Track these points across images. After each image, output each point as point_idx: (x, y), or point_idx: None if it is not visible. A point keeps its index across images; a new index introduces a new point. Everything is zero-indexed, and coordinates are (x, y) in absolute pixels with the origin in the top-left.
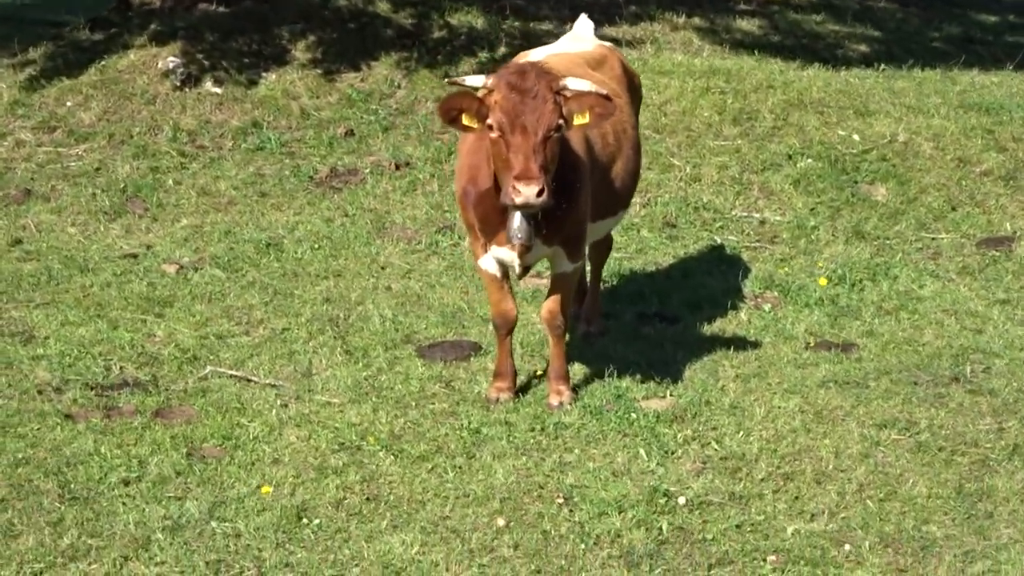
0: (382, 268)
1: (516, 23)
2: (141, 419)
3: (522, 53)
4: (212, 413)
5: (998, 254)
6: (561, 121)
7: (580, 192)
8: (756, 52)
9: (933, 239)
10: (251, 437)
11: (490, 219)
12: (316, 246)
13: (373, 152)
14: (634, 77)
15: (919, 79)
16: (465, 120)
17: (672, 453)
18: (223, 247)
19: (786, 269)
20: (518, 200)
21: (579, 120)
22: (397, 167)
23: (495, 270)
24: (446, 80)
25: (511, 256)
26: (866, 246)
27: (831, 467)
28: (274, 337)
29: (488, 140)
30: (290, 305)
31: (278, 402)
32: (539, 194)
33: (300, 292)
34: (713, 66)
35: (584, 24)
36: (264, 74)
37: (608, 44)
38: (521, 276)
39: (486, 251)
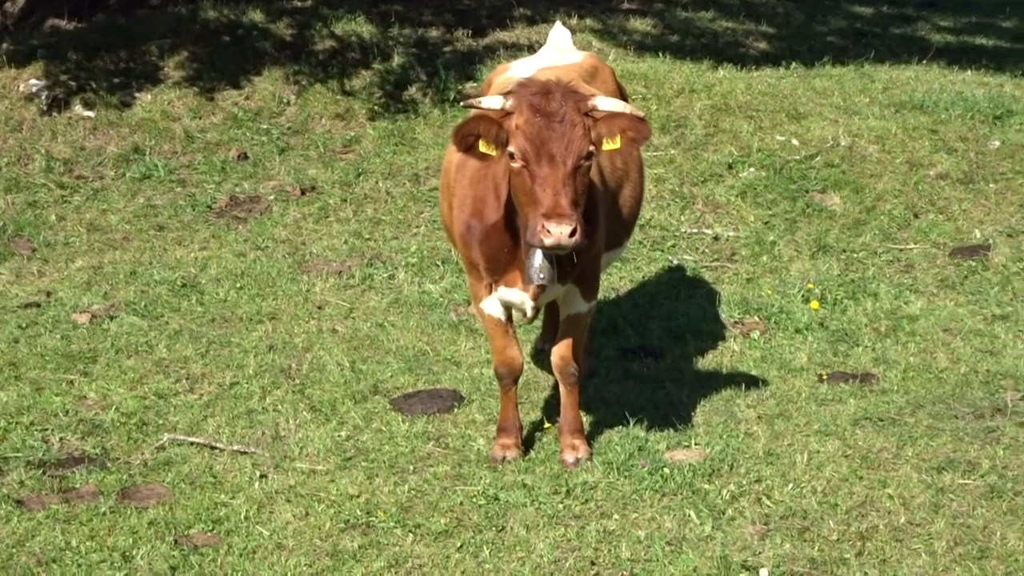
0: (319, 308)
1: (405, 30)
2: (106, 502)
3: (500, 67)
4: (186, 490)
5: (974, 264)
6: (591, 147)
7: (596, 222)
8: (660, 54)
9: (902, 250)
10: (241, 518)
11: (498, 258)
12: (238, 285)
13: (272, 176)
14: (623, 89)
15: (836, 77)
16: (482, 147)
17: (723, 513)
18: (134, 291)
19: (762, 290)
20: (548, 241)
21: (609, 145)
22: (303, 192)
23: (500, 314)
24: (460, 103)
25: (521, 298)
26: (834, 261)
27: (904, 521)
28: (223, 394)
29: (507, 170)
30: (231, 355)
31: (256, 473)
32: (572, 234)
33: (237, 340)
34: (627, 70)
35: (561, 33)
36: (138, 94)
37: (593, 54)
38: (532, 319)
39: (490, 293)
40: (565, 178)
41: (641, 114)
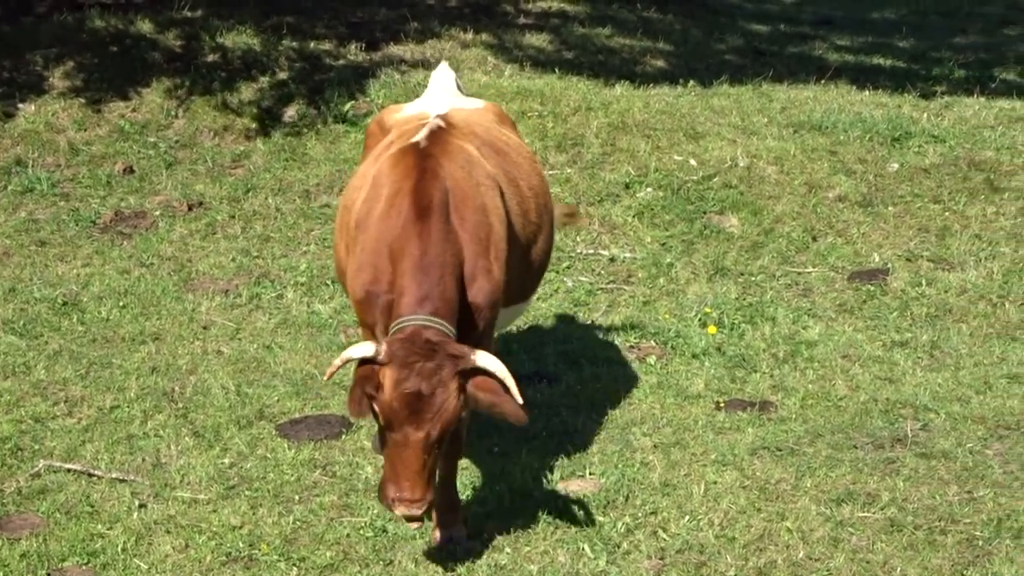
0: (204, 328)
1: (293, 43)
2: None
3: (393, 107)
4: (61, 520)
5: (873, 288)
6: (463, 413)
7: (495, 291)
8: (557, 70)
9: (800, 274)
10: (118, 550)
11: None
12: (120, 303)
13: (159, 191)
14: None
15: (734, 96)
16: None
17: (618, 547)
18: (12, 308)
19: (658, 314)
20: (395, 511)
21: (481, 409)
22: (190, 207)
23: None
24: (326, 377)
25: None
26: (731, 284)
27: (803, 555)
28: (103, 418)
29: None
30: (112, 378)
31: (135, 502)
32: (425, 512)
33: (119, 361)
34: (522, 87)
35: (445, 75)
36: (21, 105)
37: (495, 104)
38: None
39: None
40: (427, 451)
41: (520, 400)
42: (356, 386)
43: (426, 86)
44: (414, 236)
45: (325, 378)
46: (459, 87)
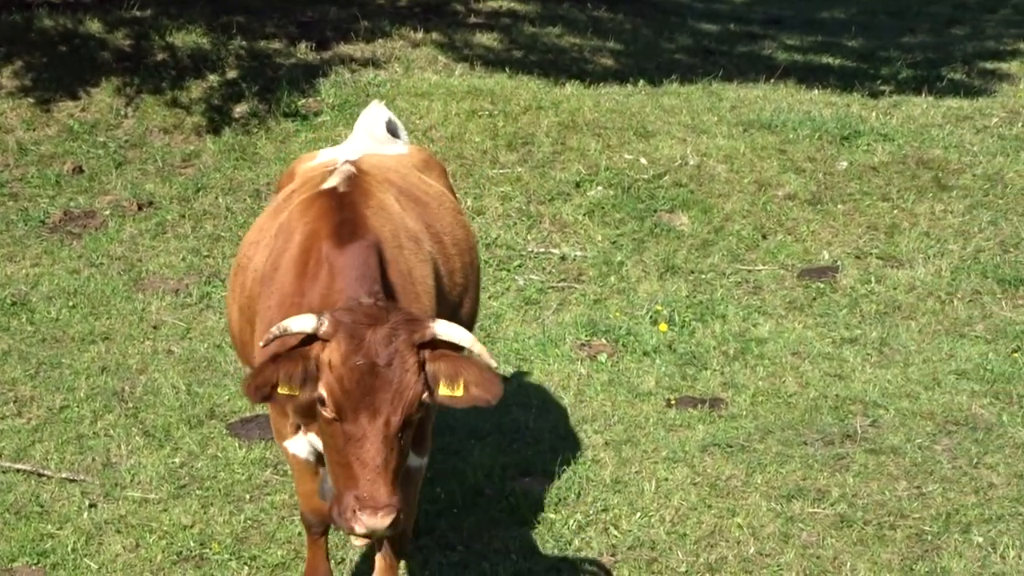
0: (154, 328)
1: (243, 43)
2: None
3: (306, 155)
4: (11, 521)
5: (822, 285)
6: (426, 396)
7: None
8: (507, 69)
9: (750, 271)
10: (68, 550)
11: (312, 405)
12: (70, 303)
13: (108, 191)
14: (454, 191)
15: (684, 95)
16: (282, 390)
17: (570, 544)
18: None
19: (609, 312)
20: (359, 530)
21: (446, 391)
22: (140, 207)
23: (308, 454)
24: (261, 345)
25: None
26: (682, 282)
27: (753, 551)
28: (53, 418)
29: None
30: (61, 377)
31: (85, 502)
32: (392, 524)
33: (69, 361)
34: (473, 86)
35: (377, 116)
36: None
37: (423, 148)
38: None
39: (297, 431)
40: (389, 444)
41: (494, 363)
42: (265, 369)
43: (376, 85)
44: (337, 289)
45: (261, 345)
46: (394, 126)
